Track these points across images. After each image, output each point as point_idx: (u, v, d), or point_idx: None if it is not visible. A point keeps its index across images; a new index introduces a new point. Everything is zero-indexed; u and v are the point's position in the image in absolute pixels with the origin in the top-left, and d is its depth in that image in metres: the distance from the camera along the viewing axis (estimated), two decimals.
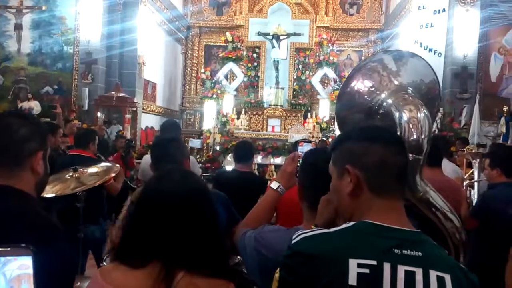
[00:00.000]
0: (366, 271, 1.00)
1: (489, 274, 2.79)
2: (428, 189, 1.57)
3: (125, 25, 9.89)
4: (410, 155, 1.47)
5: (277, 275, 1.07)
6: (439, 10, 9.06)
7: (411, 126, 1.51)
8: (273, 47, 11.61)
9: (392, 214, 1.11)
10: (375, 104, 1.62)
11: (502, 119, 8.34)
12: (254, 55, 12.30)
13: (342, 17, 13.42)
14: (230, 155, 9.54)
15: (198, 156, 10.38)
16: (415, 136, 1.50)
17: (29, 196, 1.28)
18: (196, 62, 13.85)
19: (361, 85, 1.68)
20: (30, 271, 0.93)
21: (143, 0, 10.36)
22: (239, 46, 12.10)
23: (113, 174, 3.41)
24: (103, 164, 3.61)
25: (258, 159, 9.83)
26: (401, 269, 1.01)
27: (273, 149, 10.19)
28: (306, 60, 12.14)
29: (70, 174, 3.10)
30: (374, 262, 1.01)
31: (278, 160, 9.91)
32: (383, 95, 1.62)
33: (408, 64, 1.73)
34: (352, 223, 1.11)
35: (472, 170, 4.18)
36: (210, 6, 13.78)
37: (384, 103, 1.60)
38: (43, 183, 1.36)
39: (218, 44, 13.19)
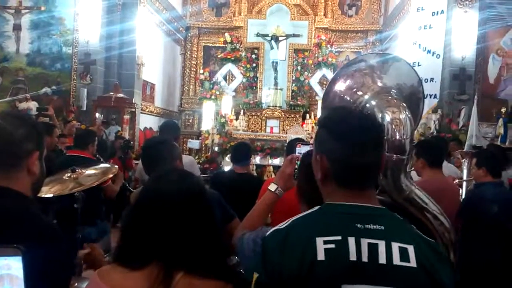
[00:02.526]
0: (332, 246, 1.06)
1: (476, 271, 2.82)
2: (413, 188, 1.59)
3: (124, 26, 9.88)
4: (394, 155, 1.52)
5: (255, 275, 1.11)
6: (437, 12, 9.06)
7: (394, 127, 1.54)
8: (271, 48, 11.61)
9: (356, 198, 1.15)
10: (358, 105, 1.64)
11: (500, 120, 8.34)
12: (253, 56, 12.29)
13: (340, 19, 13.43)
14: (228, 155, 9.53)
15: (196, 157, 10.38)
16: (398, 137, 1.54)
17: (25, 196, 1.28)
18: (195, 63, 13.84)
19: (344, 86, 1.71)
20: (14, 271, 0.94)
21: (142, 1, 10.36)
22: (238, 47, 12.09)
23: (111, 175, 3.41)
24: (101, 165, 3.60)
25: (257, 160, 9.84)
26: (364, 242, 1.07)
27: (272, 150, 10.20)
28: (305, 61, 12.14)
29: (68, 174, 3.09)
30: (339, 238, 1.07)
31: (277, 161, 9.92)
32: (366, 97, 1.65)
33: (393, 67, 1.77)
34: (317, 207, 1.18)
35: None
36: (209, 7, 13.78)
37: (368, 104, 1.63)
38: (39, 184, 1.36)
39: (217, 45, 13.17)
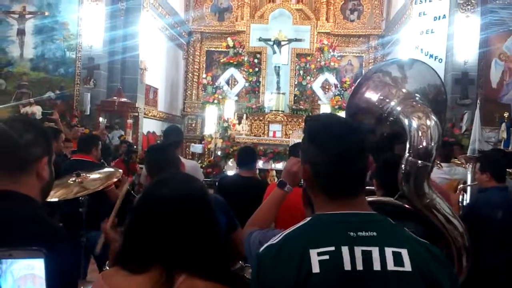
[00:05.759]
0: (326, 257, 1.06)
1: (480, 276, 2.82)
2: (434, 196, 1.57)
3: (127, 31, 9.92)
4: (419, 161, 1.51)
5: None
6: (439, 17, 9.09)
7: (420, 134, 1.51)
8: (274, 52, 11.64)
9: (346, 206, 1.15)
10: (385, 111, 1.65)
11: (503, 125, 8.34)
12: (255, 60, 12.33)
13: (343, 23, 13.47)
14: (231, 160, 9.57)
15: (199, 161, 10.40)
16: (424, 143, 1.51)
17: (34, 201, 1.29)
18: (198, 67, 13.89)
19: (371, 93, 1.71)
20: (36, 271, 0.96)
21: (145, 6, 10.41)
22: (240, 51, 12.13)
23: (115, 179, 3.42)
24: (105, 169, 3.62)
25: (259, 164, 9.84)
26: (358, 250, 1.07)
27: (274, 154, 10.21)
28: (307, 65, 12.17)
29: (73, 179, 3.11)
30: (332, 248, 1.07)
31: (279, 165, 9.92)
32: (392, 103, 1.64)
33: (414, 71, 1.75)
34: (308, 218, 1.17)
35: None
36: (212, 12, 13.84)
37: (394, 111, 1.62)
38: (48, 188, 1.37)
39: (220, 49, 13.23)
